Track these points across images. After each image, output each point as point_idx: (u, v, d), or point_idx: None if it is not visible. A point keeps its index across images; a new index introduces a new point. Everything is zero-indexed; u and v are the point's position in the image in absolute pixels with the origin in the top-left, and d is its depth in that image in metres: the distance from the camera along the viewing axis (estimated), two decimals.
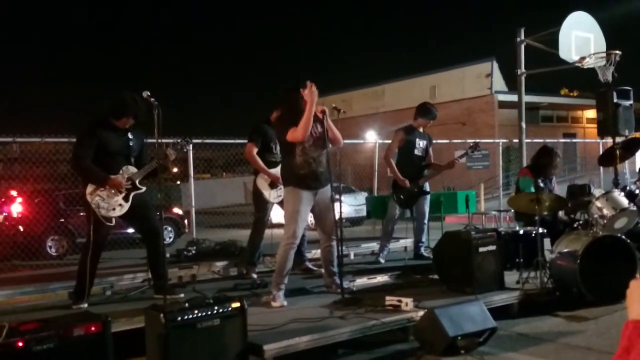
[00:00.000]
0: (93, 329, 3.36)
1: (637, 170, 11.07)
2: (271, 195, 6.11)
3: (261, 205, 6.21)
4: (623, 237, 5.59)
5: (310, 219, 5.47)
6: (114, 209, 4.99)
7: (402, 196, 6.71)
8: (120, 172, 5.03)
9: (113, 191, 4.98)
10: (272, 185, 6.05)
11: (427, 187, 6.90)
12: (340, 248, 5.22)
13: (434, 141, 12.33)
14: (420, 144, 6.85)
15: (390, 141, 7.20)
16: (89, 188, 4.94)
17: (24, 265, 9.11)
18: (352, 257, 7.58)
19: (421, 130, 6.90)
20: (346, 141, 10.91)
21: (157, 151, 4.97)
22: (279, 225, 5.42)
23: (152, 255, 5.22)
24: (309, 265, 6.45)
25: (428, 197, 6.96)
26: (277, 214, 6.35)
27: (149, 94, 4.50)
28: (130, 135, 5.11)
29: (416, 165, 6.82)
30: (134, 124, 5.09)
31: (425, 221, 7.03)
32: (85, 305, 4.94)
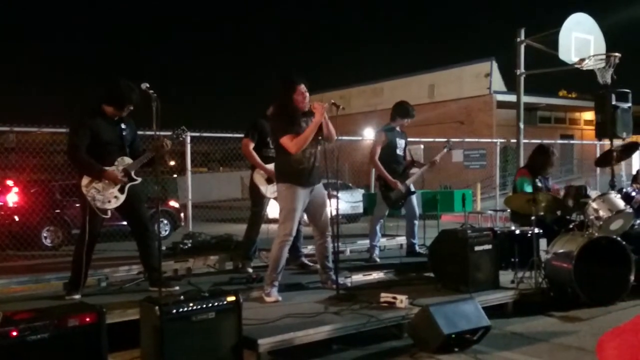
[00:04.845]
0: (88, 319, 3.35)
1: (634, 172, 11.10)
2: (268, 190, 6.10)
3: (258, 200, 6.21)
4: (618, 238, 5.61)
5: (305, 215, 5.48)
6: (109, 201, 4.98)
7: (391, 197, 6.72)
8: (116, 163, 5.02)
9: (108, 183, 4.96)
10: (269, 180, 6.05)
11: (412, 186, 6.93)
12: (336, 244, 5.23)
13: (433, 140, 12.48)
14: (401, 143, 6.87)
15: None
16: (85, 180, 4.92)
17: (18, 255, 9.09)
18: (348, 253, 7.61)
19: (398, 129, 6.91)
20: (344, 138, 10.97)
21: (154, 142, 4.96)
22: (275, 220, 5.42)
23: (142, 249, 5.22)
24: (305, 260, 6.46)
25: (415, 196, 6.98)
26: (273, 209, 6.35)
27: (148, 86, 4.49)
28: (123, 125, 5.09)
29: (401, 165, 6.85)
30: (129, 113, 5.09)
31: (416, 221, 7.06)
32: (79, 296, 4.93)
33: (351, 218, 14.77)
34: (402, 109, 6.89)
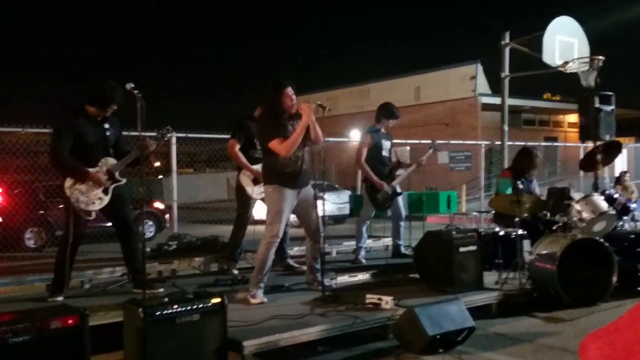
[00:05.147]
0: (70, 321, 3.32)
1: (616, 175, 11.23)
2: (254, 191, 6.09)
3: (244, 201, 6.19)
4: (601, 240, 5.66)
5: (293, 217, 5.47)
6: (93, 203, 4.93)
7: (378, 198, 6.74)
8: (99, 164, 4.97)
9: (92, 184, 4.92)
10: (255, 181, 6.04)
11: (398, 187, 6.96)
12: (322, 246, 5.23)
13: (418, 142, 12.54)
14: (387, 144, 6.89)
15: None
16: (68, 182, 4.87)
17: (1, 257, 8.97)
18: (334, 254, 7.61)
19: (384, 131, 6.94)
20: (330, 139, 10.97)
21: (138, 142, 4.92)
22: (261, 222, 5.41)
23: (126, 251, 5.18)
24: (291, 262, 6.45)
25: (401, 197, 7.01)
26: (259, 210, 6.33)
27: (133, 86, 4.46)
28: (106, 125, 5.04)
29: (387, 167, 6.88)
30: (113, 112, 5.05)
31: (402, 222, 7.08)
32: (62, 298, 4.89)
33: (337, 219, 14.79)
34: (386, 110, 6.91)
